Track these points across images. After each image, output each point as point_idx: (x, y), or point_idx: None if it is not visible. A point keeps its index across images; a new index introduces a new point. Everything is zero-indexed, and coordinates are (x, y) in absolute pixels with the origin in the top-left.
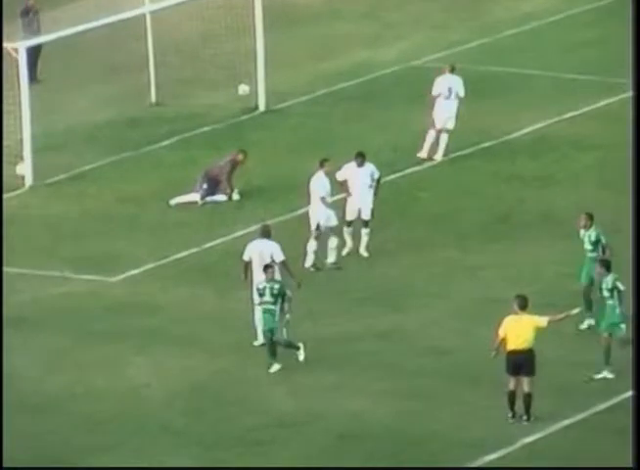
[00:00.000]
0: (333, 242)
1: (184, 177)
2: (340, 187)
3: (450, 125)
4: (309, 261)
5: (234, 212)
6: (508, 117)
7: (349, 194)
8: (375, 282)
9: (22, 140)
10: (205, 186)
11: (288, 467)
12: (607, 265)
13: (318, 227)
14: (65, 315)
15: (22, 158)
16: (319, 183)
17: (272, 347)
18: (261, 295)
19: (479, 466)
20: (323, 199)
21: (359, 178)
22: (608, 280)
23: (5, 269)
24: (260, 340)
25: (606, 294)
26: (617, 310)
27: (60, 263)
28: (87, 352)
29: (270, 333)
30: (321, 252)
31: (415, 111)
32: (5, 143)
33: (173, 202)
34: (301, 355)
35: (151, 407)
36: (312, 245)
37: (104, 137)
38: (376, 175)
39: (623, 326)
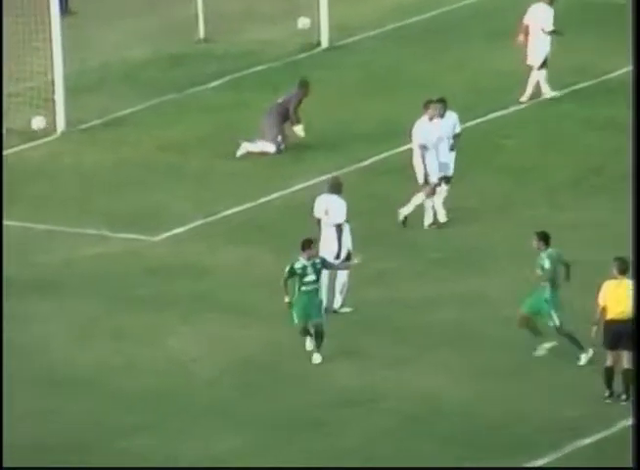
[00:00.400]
0: (428, 201)
1: (234, 122)
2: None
3: (535, 63)
4: (406, 210)
5: (292, 163)
6: (608, 54)
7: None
8: (453, 242)
9: (52, 81)
10: (279, 139)
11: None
12: (545, 238)
13: (426, 180)
14: (100, 279)
15: (46, 104)
16: (420, 129)
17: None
18: (303, 275)
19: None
20: (423, 147)
21: (439, 129)
22: (543, 256)
23: (33, 226)
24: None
25: (540, 272)
26: (546, 296)
27: (95, 220)
28: (126, 320)
29: (319, 316)
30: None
31: (497, 47)
32: (32, 85)
33: (241, 151)
34: (318, 359)
35: (197, 383)
36: (417, 199)
37: (144, 77)
38: (457, 129)
39: (553, 314)
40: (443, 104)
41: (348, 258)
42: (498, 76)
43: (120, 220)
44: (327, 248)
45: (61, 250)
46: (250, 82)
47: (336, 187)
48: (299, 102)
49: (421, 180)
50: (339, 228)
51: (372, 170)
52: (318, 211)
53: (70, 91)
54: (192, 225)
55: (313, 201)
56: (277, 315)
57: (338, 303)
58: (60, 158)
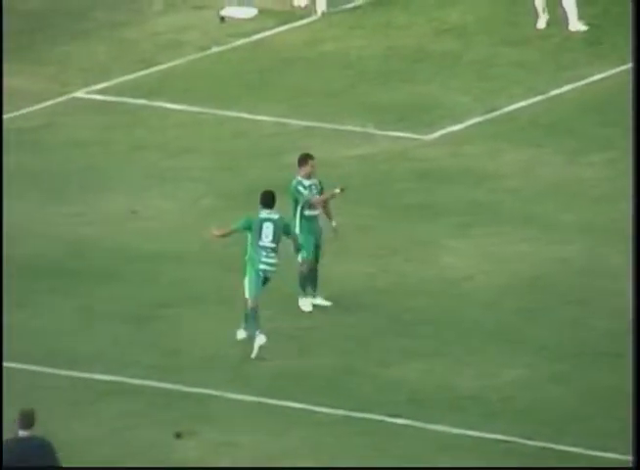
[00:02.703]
0: None
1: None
2: None
3: None
4: None
5: (587, 48)
6: None
7: None
8: None
9: None
10: None
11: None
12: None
13: None
14: (363, 183)
15: None
16: None
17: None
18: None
19: None
20: None
21: None
22: None
23: (287, 122)
24: None
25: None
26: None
27: (359, 115)
28: (393, 232)
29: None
30: None
31: None
32: None
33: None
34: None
35: (474, 306)
36: None
37: None
38: None
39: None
40: None
41: None
42: None
43: (388, 116)
44: None
45: (319, 149)
46: None
47: None
48: None
49: None
50: None
51: None
52: None
53: None
54: (470, 122)
55: (610, 95)
56: (569, 228)
57: None
58: (320, 43)
